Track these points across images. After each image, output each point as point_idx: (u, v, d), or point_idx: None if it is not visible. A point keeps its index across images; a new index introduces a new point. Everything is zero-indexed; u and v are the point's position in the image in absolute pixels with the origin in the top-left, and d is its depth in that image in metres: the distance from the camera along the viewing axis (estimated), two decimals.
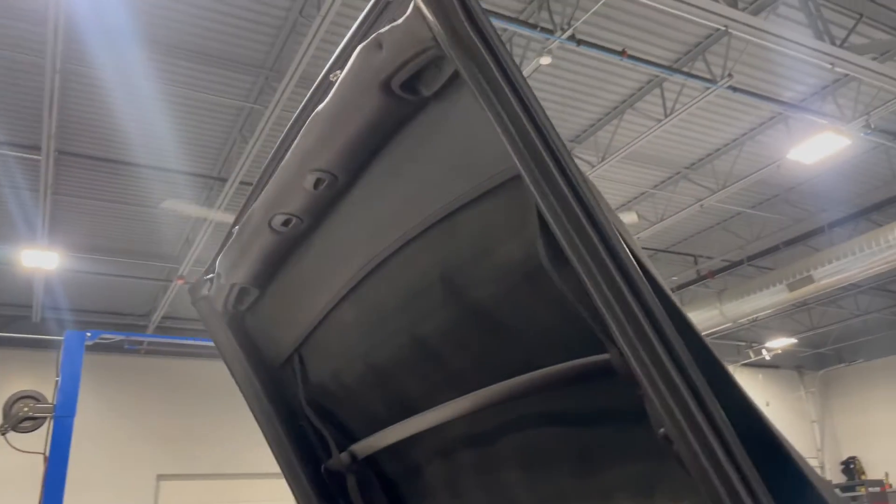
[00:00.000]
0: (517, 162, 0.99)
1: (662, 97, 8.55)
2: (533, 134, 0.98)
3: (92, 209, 10.15)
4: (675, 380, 0.91)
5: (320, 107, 1.33)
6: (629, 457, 1.29)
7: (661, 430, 0.93)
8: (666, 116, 8.57)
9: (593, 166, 9.36)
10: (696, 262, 13.50)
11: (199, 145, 8.83)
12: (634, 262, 0.96)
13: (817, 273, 11.20)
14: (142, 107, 8.00)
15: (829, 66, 7.04)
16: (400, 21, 1.11)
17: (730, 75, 7.69)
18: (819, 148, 8.91)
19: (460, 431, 1.69)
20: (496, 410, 1.46)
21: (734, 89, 7.91)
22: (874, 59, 7.43)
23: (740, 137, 9.63)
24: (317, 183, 1.42)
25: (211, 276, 1.87)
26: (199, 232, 10.12)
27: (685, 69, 7.94)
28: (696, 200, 10.68)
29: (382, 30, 1.15)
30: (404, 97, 1.20)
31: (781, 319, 16.89)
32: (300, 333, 1.78)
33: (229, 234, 1.74)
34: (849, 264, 10.82)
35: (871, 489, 15.41)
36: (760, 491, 0.89)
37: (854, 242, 10.73)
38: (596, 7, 6.92)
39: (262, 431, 1.90)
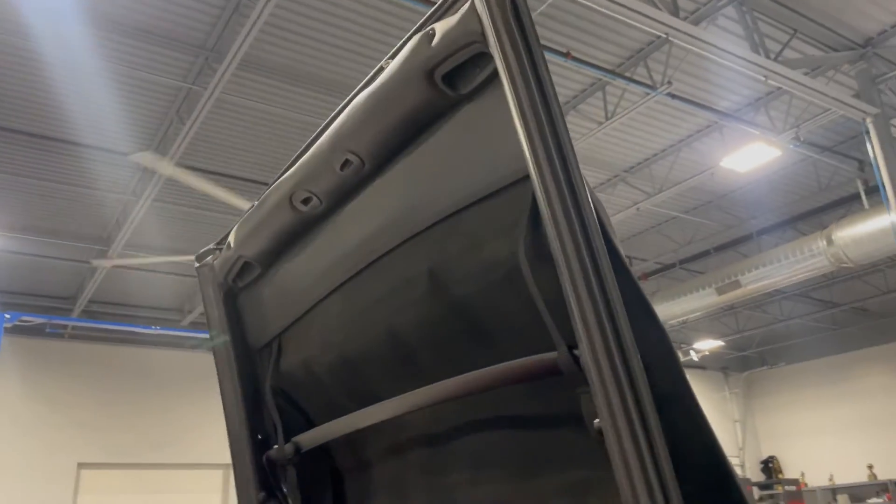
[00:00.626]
0: (532, 164, 1.03)
1: (604, 100, 8.71)
2: (551, 139, 1.03)
3: (16, 186, 9.72)
4: (622, 375, 0.94)
5: (366, 90, 1.37)
6: (567, 459, 1.33)
7: (596, 421, 0.96)
8: (607, 119, 8.74)
9: None
10: (630, 264, 13.81)
11: (135, 124, 8.55)
12: (613, 269, 1.00)
13: (744, 278, 11.61)
14: (77, 82, 7.70)
15: (763, 79, 7.29)
16: (455, 14, 1.18)
17: (669, 82, 7.89)
18: (751, 157, 9.23)
19: (407, 429, 1.71)
20: (444, 409, 1.48)
21: (673, 96, 8.11)
22: (805, 73, 7.73)
23: (677, 143, 9.89)
24: (344, 164, 1.46)
25: (221, 245, 1.88)
26: (131, 213, 9.82)
27: (627, 74, 8.10)
28: (632, 203, 10.92)
29: (438, 22, 1.22)
30: (443, 91, 1.25)
31: (710, 322, 17.45)
32: (286, 319, 1.79)
33: (252, 206, 1.77)
34: (774, 271, 11.26)
35: (787, 488, 16.08)
36: (672, 486, 0.91)
37: (780, 250, 11.16)
38: (542, 7, 6.98)
39: (225, 413, 1.87)
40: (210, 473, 15.33)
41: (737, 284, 11.76)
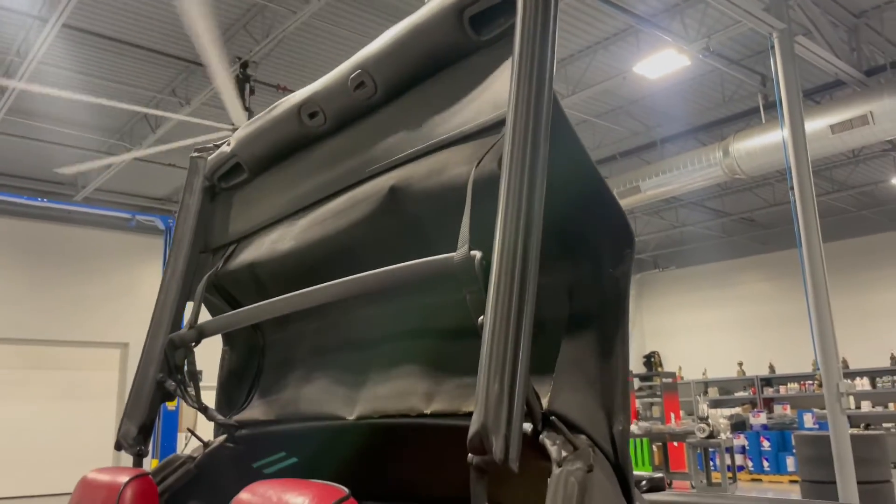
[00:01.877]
0: (510, 113, 1.10)
1: None
2: (534, 96, 1.10)
3: None
4: (510, 280, 1.03)
5: (401, 22, 1.42)
6: (459, 339, 1.47)
7: (480, 319, 1.05)
8: None
9: None
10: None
11: None
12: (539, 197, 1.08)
13: (645, 184, 12.06)
14: None
15: None
16: None
17: None
18: (662, 64, 9.39)
19: (328, 328, 1.81)
20: (355, 312, 1.60)
21: None
22: None
23: (594, 45, 9.92)
24: (359, 86, 1.54)
25: (221, 143, 1.92)
26: (35, 44, 9.08)
27: None
28: None
29: None
30: (467, 32, 1.31)
31: None
32: (251, 226, 1.83)
33: (262, 113, 1.80)
34: (673, 179, 11.74)
35: (664, 380, 17.47)
36: (521, 384, 1.00)
37: (680, 158, 11.61)
38: None
39: (158, 296, 1.93)
40: (108, 352, 15.15)
41: (637, 190, 12.22)
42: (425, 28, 1.37)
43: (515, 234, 1.04)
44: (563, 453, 1.07)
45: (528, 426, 1.13)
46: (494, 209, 1.08)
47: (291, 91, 10.33)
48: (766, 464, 12.37)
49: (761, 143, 10.51)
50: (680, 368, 20.58)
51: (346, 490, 0.97)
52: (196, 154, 2.00)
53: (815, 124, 9.72)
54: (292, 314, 1.91)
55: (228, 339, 2.11)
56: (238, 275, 1.85)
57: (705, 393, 19.50)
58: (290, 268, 1.72)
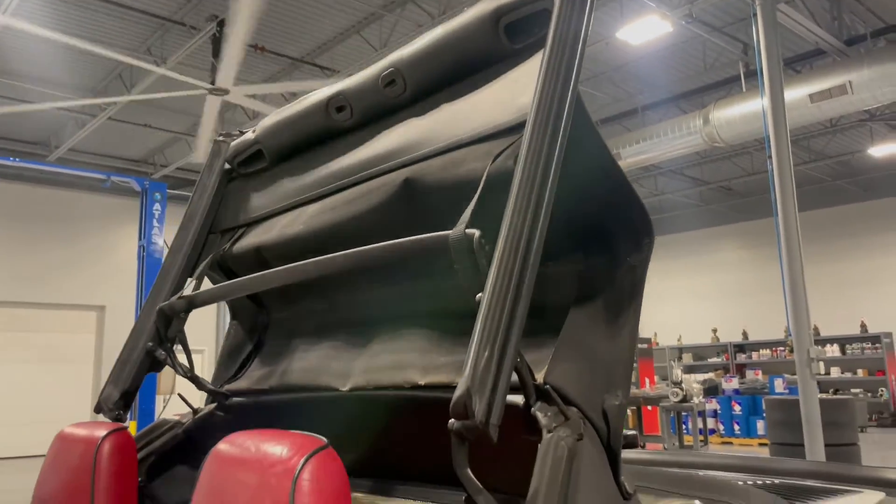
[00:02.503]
0: (531, 118, 1.14)
1: None
2: (563, 93, 1.14)
3: None
4: (507, 258, 1.06)
5: (441, 25, 1.47)
6: (457, 318, 1.51)
7: (478, 296, 1.08)
8: None
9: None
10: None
11: None
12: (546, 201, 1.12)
13: (625, 151, 12.09)
14: None
15: None
16: None
17: None
18: (645, 30, 9.34)
19: (317, 303, 1.85)
20: (352, 286, 1.64)
21: None
22: None
23: None
24: (390, 83, 1.56)
25: (249, 130, 1.95)
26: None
27: None
28: None
29: None
30: (501, 39, 1.36)
31: None
32: (263, 212, 1.87)
33: (290, 104, 1.82)
34: (653, 146, 11.77)
35: (640, 346, 17.71)
36: (507, 363, 1.02)
37: (660, 126, 11.63)
38: None
39: (162, 268, 1.95)
40: (84, 315, 15.04)
41: (617, 157, 12.24)
42: (461, 33, 1.42)
43: (523, 219, 1.08)
44: (554, 423, 1.09)
45: (520, 399, 1.15)
46: (504, 202, 1.12)
47: (268, 51, 10.16)
48: (736, 427, 12.66)
49: (741, 112, 10.54)
50: (655, 335, 20.88)
51: (324, 440, 0.98)
52: (220, 138, 2.06)
53: (795, 93, 9.76)
54: (297, 294, 1.94)
55: (235, 315, 2.15)
56: (244, 256, 1.89)
57: (679, 359, 19.83)
58: (296, 252, 1.74)
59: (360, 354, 1.68)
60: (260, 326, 2.09)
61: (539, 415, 1.10)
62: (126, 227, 15.53)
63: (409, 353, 1.55)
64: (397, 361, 1.55)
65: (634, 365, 13.73)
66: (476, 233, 1.11)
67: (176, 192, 14.30)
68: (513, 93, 1.33)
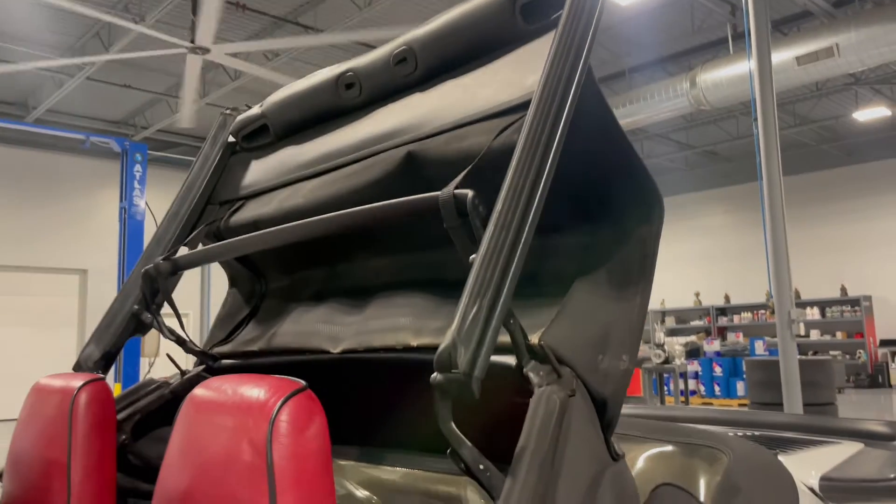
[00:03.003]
0: (536, 97, 1.15)
1: None
2: (571, 74, 1.15)
3: None
4: (501, 218, 1.08)
5: (457, 5, 1.47)
6: (452, 285, 1.54)
7: (472, 256, 1.08)
8: None
9: None
10: None
11: None
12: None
13: None
14: None
15: None
16: None
17: None
18: None
19: (316, 272, 1.86)
20: (349, 246, 1.64)
21: None
22: None
23: None
24: (400, 60, 1.56)
25: (255, 106, 1.97)
26: None
27: None
28: None
29: None
30: (517, 19, 1.36)
31: None
32: (263, 186, 1.87)
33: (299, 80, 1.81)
34: (640, 109, 11.73)
35: None
36: (497, 318, 1.02)
37: (647, 89, 11.57)
38: None
39: (156, 234, 1.97)
40: (66, 278, 14.93)
41: None
42: (477, 14, 1.42)
43: (522, 185, 1.09)
44: (546, 381, 1.09)
45: (514, 360, 1.16)
46: (503, 175, 1.13)
47: (249, 9, 9.95)
48: (717, 388, 12.88)
49: (728, 75, 10.50)
50: None
51: (303, 382, 0.97)
52: (227, 111, 2.08)
53: (781, 56, 9.73)
54: (294, 263, 1.94)
55: (233, 283, 2.15)
56: (241, 228, 1.89)
57: (662, 322, 20.05)
58: (294, 220, 1.74)
59: (354, 320, 1.68)
60: (257, 295, 2.10)
61: (531, 374, 1.11)
62: (107, 191, 15.34)
63: (402, 317, 1.55)
64: (390, 325, 1.55)
65: None
66: (469, 193, 1.11)
67: (158, 153, 14.11)
68: (523, 72, 1.34)
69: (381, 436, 1.69)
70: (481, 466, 0.99)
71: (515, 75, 1.34)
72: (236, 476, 0.93)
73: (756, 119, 7.61)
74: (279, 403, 0.93)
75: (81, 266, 15.03)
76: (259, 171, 1.91)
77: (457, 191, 1.13)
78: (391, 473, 1.55)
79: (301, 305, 1.92)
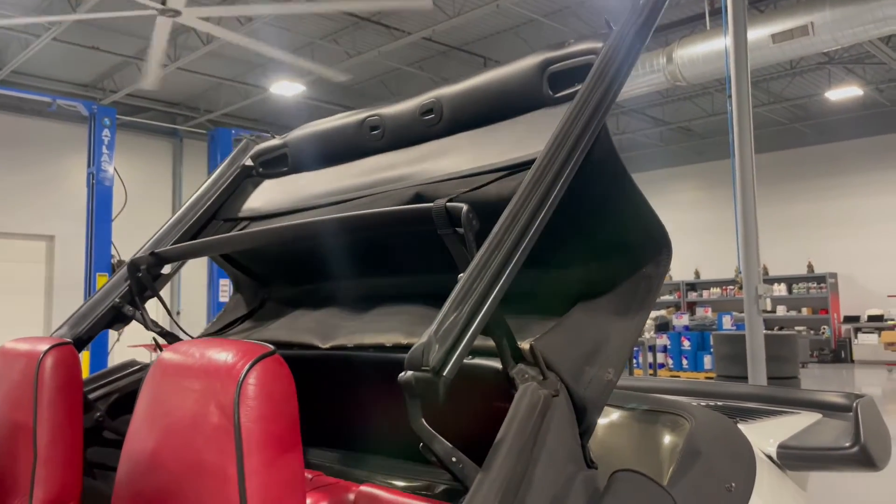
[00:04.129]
0: (541, 159, 1.19)
1: None
2: (580, 136, 1.21)
3: None
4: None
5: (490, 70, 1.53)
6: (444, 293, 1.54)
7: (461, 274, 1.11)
8: None
9: None
10: (485, 65, 13.79)
11: None
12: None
13: None
14: None
15: None
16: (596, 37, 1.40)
17: None
18: None
19: (318, 284, 1.91)
20: (350, 260, 1.71)
21: None
22: None
23: None
24: (427, 111, 1.62)
25: (280, 136, 2.03)
26: None
27: None
28: None
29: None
30: (543, 87, 1.43)
31: None
32: (271, 211, 1.91)
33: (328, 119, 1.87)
34: None
35: None
36: (476, 325, 1.04)
37: None
38: None
39: (154, 237, 2.01)
40: (33, 245, 14.66)
41: None
42: (508, 77, 1.49)
43: (518, 217, 1.13)
44: (532, 381, 1.11)
45: (500, 365, 1.18)
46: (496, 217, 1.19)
47: None
48: (685, 362, 13.11)
49: (704, 51, 10.53)
50: None
51: (271, 346, 0.97)
52: (251, 137, 2.17)
53: (757, 33, 9.77)
54: (297, 275, 1.98)
55: (237, 289, 2.20)
56: (247, 253, 1.95)
57: None
58: (295, 249, 1.80)
59: (348, 323, 1.71)
60: (258, 299, 2.14)
61: (517, 376, 1.12)
62: (75, 156, 15.02)
63: (396, 322, 1.59)
64: (383, 327, 1.58)
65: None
66: (464, 206, 1.15)
67: (127, 118, 13.82)
68: (538, 133, 1.40)
69: (366, 436, 1.70)
70: (454, 459, 0.99)
71: (530, 136, 1.41)
72: (203, 438, 0.92)
73: (730, 96, 7.65)
74: (247, 366, 0.93)
75: (49, 232, 14.76)
76: (270, 196, 1.96)
77: (450, 204, 1.16)
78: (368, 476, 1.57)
79: (298, 310, 1.96)
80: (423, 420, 0.99)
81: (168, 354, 1.04)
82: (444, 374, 0.96)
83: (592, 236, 1.38)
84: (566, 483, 1.04)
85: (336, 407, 1.76)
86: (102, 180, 8.56)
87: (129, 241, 13.61)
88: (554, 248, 1.41)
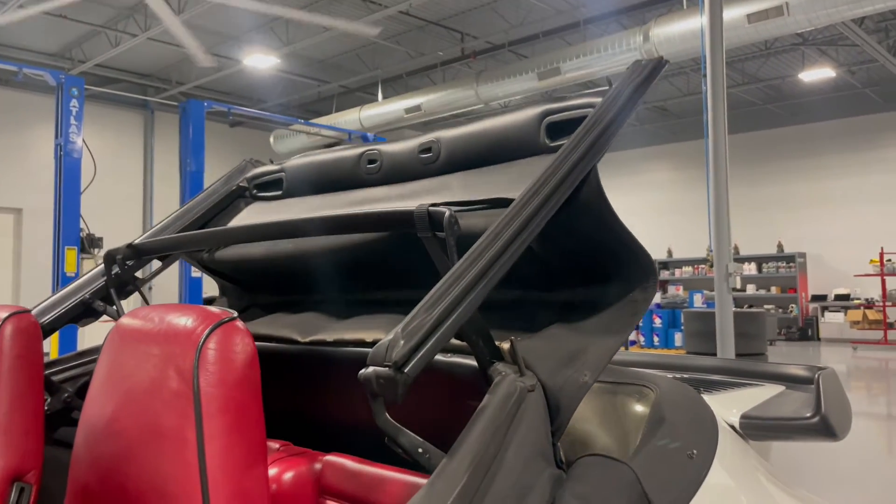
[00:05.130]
0: (522, 198, 1.22)
1: None
2: (562, 180, 1.25)
3: None
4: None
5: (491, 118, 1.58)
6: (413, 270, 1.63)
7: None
8: None
9: None
10: (462, 40, 13.69)
11: None
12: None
13: (565, 66, 12.00)
14: None
15: None
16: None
17: None
18: None
19: (284, 285, 1.93)
20: (334, 267, 1.74)
21: None
22: None
23: None
24: (426, 150, 1.65)
25: (277, 163, 2.07)
26: None
27: None
28: None
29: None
30: (540, 135, 1.49)
31: None
32: (259, 237, 1.89)
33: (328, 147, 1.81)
34: (593, 62, 11.71)
35: None
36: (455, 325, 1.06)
37: (601, 41, 11.54)
38: None
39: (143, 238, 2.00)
40: (0, 218, 14.37)
41: (557, 72, 12.15)
42: (507, 124, 1.55)
43: (499, 236, 1.15)
44: (510, 374, 1.12)
45: (474, 363, 1.20)
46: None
47: None
48: (656, 339, 13.30)
49: (680, 30, 10.55)
50: None
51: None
52: (249, 160, 2.21)
53: (733, 12, 9.80)
54: (280, 282, 2.00)
55: (223, 293, 2.22)
56: (224, 264, 1.97)
57: None
58: (280, 267, 1.82)
59: (330, 322, 1.74)
60: (242, 306, 2.18)
61: (494, 374, 1.12)
62: (42, 127, 14.69)
63: (379, 322, 1.61)
64: (365, 326, 1.60)
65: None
66: (447, 211, 1.16)
67: (96, 89, 13.51)
68: (532, 177, 1.42)
69: (344, 429, 1.70)
70: (420, 450, 0.99)
71: (522, 178, 1.46)
72: (162, 403, 0.91)
73: (705, 75, 7.69)
74: (207, 331, 0.92)
75: (16, 205, 14.47)
76: (259, 217, 1.99)
77: (432, 208, 1.18)
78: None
79: (279, 312, 1.99)
80: (388, 415, 0.98)
81: (127, 319, 1.03)
82: (407, 370, 0.94)
83: (581, 265, 1.43)
84: (533, 477, 1.03)
85: (314, 401, 1.76)
86: (71, 152, 8.39)
87: (99, 216, 13.40)
88: (542, 274, 1.45)
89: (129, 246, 1.78)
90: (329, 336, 1.60)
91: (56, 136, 8.48)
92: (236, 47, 13.43)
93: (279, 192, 2.02)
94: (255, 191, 2.10)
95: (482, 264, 1.08)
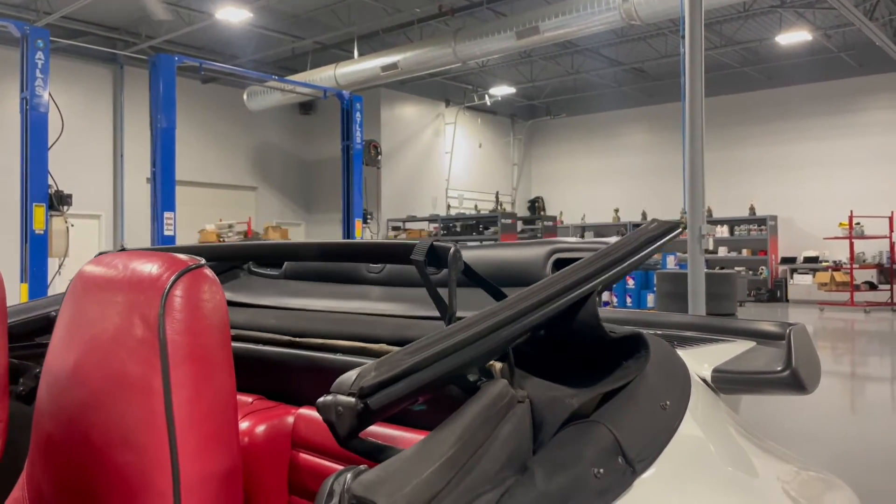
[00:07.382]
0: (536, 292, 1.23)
1: None
2: (560, 294, 1.28)
3: None
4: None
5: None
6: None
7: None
8: None
9: None
10: None
11: None
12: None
13: (544, 25, 11.87)
14: None
15: None
16: None
17: None
18: None
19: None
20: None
21: None
22: None
23: None
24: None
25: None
26: None
27: None
28: None
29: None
30: (545, 268, 1.59)
31: (507, 69, 17.98)
32: (247, 301, 1.98)
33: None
34: (572, 21, 11.60)
35: (546, 223, 18.24)
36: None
37: (580, 0, 11.42)
38: None
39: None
40: None
41: (536, 30, 12.02)
42: (518, 253, 1.66)
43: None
44: (503, 381, 1.12)
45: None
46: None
47: None
48: (629, 300, 13.46)
49: None
50: (561, 213, 21.51)
51: (201, 259, 0.93)
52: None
53: None
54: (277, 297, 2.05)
55: None
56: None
57: (582, 236, 20.62)
58: (267, 330, 1.82)
59: (319, 323, 1.76)
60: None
61: (485, 385, 1.09)
62: (6, 81, 14.25)
63: (368, 326, 1.64)
64: (353, 329, 1.62)
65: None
66: (452, 246, 1.17)
67: (63, 41, 13.10)
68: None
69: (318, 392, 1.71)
70: (391, 450, 0.94)
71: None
72: (127, 351, 0.89)
73: (684, 36, 7.65)
74: (173, 278, 0.89)
75: None
76: (253, 290, 2.03)
77: (437, 243, 1.20)
78: None
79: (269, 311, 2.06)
80: (358, 439, 0.89)
81: (90, 267, 1.00)
82: (371, 400, 0.82)
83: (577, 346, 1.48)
84: (508, 478, 0.98)
85: (295, 399, 1.75)
86: (37, 106, 8.16)
87: (69, 172, 13.09)
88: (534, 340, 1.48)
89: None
90: (315, 331, 1.65)
91: (21, 90, 8.23)
92: (208, 0, 13.07)
93: (278, 274, 2.10)
94: (253, 267, 2.18)
95: (477, 330, 1.04)
